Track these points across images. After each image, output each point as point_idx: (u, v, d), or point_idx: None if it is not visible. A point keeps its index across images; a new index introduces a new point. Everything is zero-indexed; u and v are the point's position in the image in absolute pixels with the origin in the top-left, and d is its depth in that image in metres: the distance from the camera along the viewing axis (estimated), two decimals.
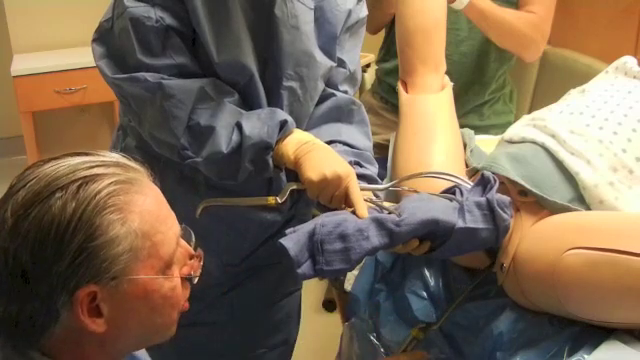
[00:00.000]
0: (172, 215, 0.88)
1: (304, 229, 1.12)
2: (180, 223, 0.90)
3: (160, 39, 1.20)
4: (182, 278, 0.88)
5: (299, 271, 1.10)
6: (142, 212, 0.81)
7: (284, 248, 1.09)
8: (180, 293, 0.88)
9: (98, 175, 0.80)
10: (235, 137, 1.20)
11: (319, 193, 1.18)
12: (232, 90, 1.25)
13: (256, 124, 1.21)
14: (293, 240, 1.10)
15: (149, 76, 1.20)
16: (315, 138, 1.24)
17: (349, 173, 1.18)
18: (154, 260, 0.82)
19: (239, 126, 1.20)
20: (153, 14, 1.18)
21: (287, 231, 1.14)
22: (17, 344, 0.81)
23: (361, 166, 1.29)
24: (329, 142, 1.31)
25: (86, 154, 0.84)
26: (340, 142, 1.32)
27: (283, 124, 1.22)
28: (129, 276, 0.80)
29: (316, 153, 1.19)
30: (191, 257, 0.91)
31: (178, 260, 0.88)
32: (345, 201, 1.18)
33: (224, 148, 1.19)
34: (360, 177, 1.25)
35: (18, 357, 0.80)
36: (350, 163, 1.27)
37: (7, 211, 0.79)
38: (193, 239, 0.93)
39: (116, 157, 0.86)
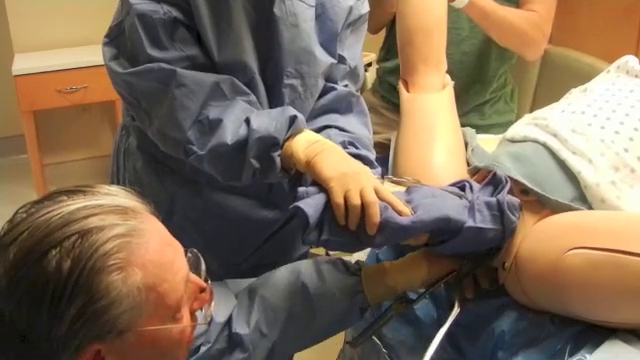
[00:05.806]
0: (178, 254, 0.81)
1: (321, 199, 1.09)
2: (186, 249, 0.83)
3: (168, 32, 1.19)
4: (191, 313, 0.83)
5: (310, 238, 1.09)
6: (145, 263, 0.75)
7: (304, 213, 1.07)
8: (189, 333, 0.82)
9: (94, 228, 0.73)
10: (242, 131, 1.18)
11: (343, 193, 1.09)
12: (248, 90, 1.23)
13: (265, 120, 1.18)
14: (312, 207, 1.08)
15: (164, 65, 1.18)
16: (324, 138, 1.20)
17: (366, 169, 1.15)
18: (161, 310, 0.77)
19: (247, 121, 1.18)
20: (160, 8, 1.18)
21: (300, 190, 1.12)
22: None
23: (356, 148, 1.27)
24: (324, 127, 1.30)
25: (82, 192, 0.77)
26: (335, 127, 1.30)
27: (293, 120, 1.18)
28: (134, 329, 0.75)
29: (328, 152, 1.15)
30: (201, 290, 0.85)
31: (187, 298, 0.82)
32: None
33: (229, 140, 1.17)
34: (355, 157, 1.23)
35: None
36: (343, 143, 1.25)
37: None
38: (203, 267, 0.87)
39: (113, 199, 0.78)
